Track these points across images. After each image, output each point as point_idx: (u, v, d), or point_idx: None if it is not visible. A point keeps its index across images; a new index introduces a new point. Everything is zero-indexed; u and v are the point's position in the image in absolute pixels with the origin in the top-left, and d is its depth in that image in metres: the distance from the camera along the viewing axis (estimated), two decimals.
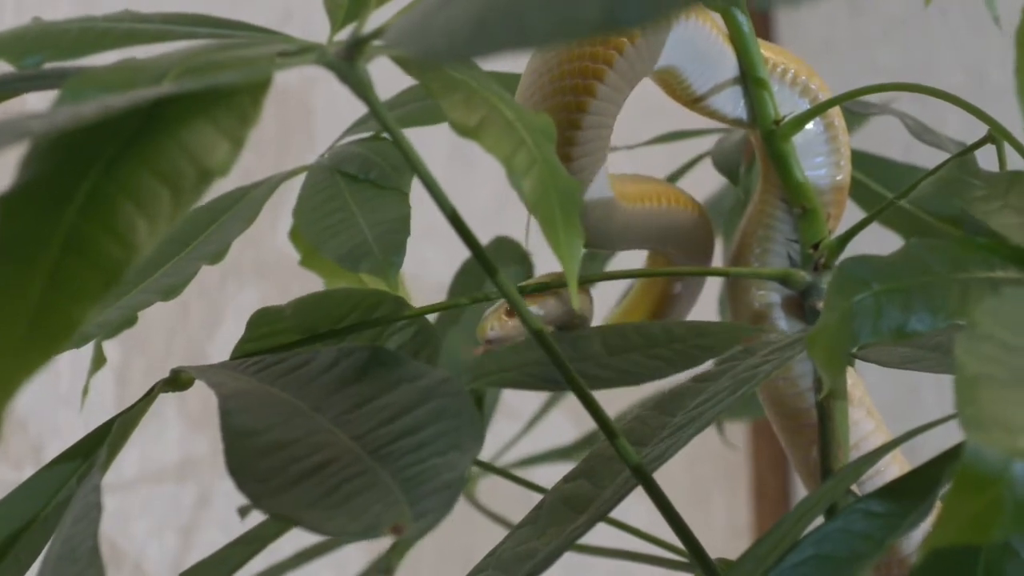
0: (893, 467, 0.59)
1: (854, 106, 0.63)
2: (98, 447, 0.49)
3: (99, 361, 0.62)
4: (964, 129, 0.64)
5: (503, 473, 0.73)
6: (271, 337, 0.53)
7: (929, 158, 0.68)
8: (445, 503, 0.36)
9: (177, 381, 0.49)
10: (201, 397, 1.05)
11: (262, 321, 0.53)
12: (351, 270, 0.55)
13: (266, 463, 0.38)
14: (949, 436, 0.46)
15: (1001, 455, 0.29)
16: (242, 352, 0.53)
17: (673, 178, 0.82)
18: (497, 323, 0.56)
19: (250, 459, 0.38)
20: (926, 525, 0.46)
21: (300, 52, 0.40)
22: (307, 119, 1.13)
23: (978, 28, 1.32)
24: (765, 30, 1.47)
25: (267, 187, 0.62)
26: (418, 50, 0.32)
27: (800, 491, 1.41)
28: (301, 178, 0.64)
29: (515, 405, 1.07)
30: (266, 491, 0.37)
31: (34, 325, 0.34)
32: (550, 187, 0.41)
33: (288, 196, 0.67)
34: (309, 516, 0.36)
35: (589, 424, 0.88)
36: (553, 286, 0.56)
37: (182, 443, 1.06)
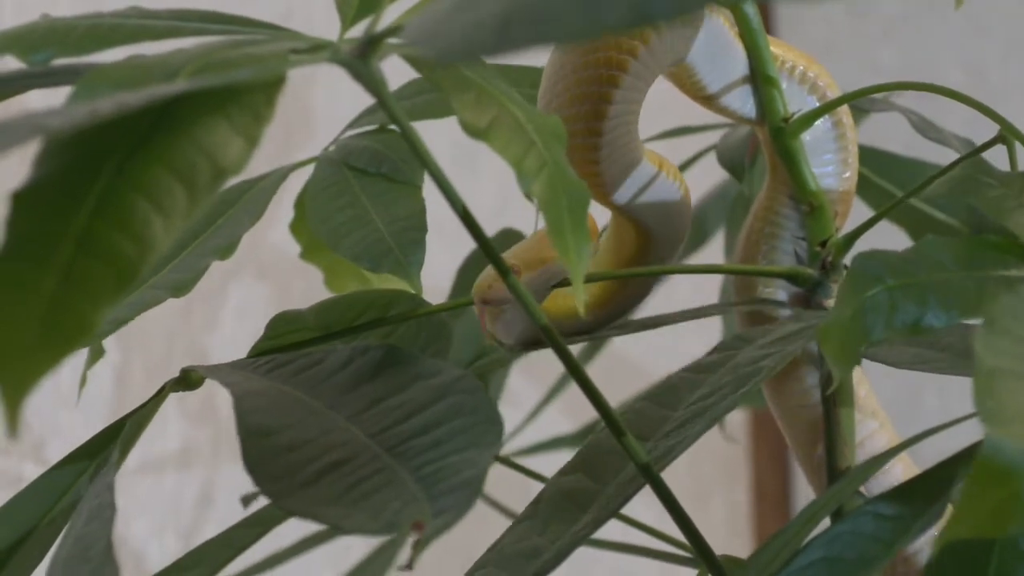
0: (898, 466, 0.59)
1: (858, 103, 0.63)
2: (103, 448, 0.49)
3: (97, 353, 0.61)
4: (966, 129, 0.64)
5: (506, 462, 0.73)
6: (289, 335, 0.53)
7: (930, 155, 0.69)
8: (465, 500, 0.36)
9: (187, 380, 0.49)
10: (201, 395, 1.05)
11: (280, 323, 0.53)
12: (371, 270, 0.55)
13: (283, 461, 0.38)
14: (951, 437, 0.46)
15: (1020, 448, 0.29)
16: (259, 351, 0.53)
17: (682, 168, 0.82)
18: (497, 282, 0.53)
19: (267, 458, 0.38)
20: (934, 527, 0.46)
21: (313, 50, 0.40)
22: (305, 111, 1.13)
23: (978, 28, 1.32)
24: (765, 28, 1.47)
25: (274, 179, 0.62)
26: (439, 50, 0.32)
27: (800, 491, 1.41)
28: (299, 172, 0.64)
29: (518, 392, 1.07)
30: (285, 489, 0.37)
31: (47, 324, 0.34)
32: (559, 190, 0.41)
33: (286, 193, 0.67)
34: (329, 513, 0.36)
35: (588, 413, 0.88)
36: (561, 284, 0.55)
37: (182, 440, 1.06)
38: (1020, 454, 0.29)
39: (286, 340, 0.54)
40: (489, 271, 0.53)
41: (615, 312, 0.58)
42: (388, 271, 0.54)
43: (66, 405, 0.98)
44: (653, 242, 0.57)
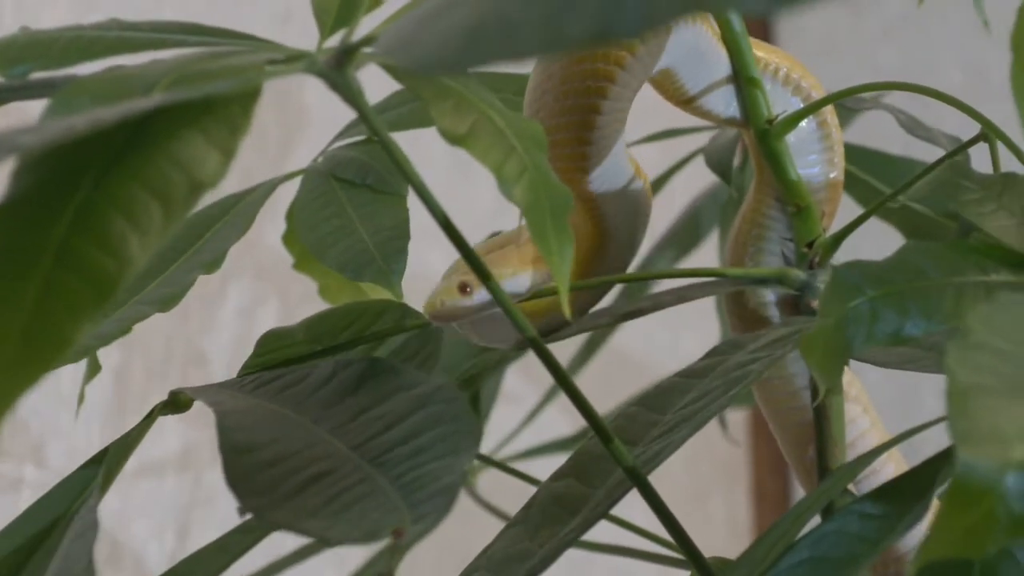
0: (890, 466, 0.59)
1: (847, 102, 0.63)
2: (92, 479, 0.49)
3: (94, 370, 0.62)
4: (963, 128, 0.64)
5: (502, 467, 0.73)
6: (280, 351, 0.54)
7: (929, 155, 0.68)
8: (443, 506, 0.36)
9: (176, 403, 0.49)
10: None
11: (271, 339, 0.53)
12: (353, 279, 0.55)
13: (265, 476, 0.38)
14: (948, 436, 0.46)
15: (993, 467, 0.29)
16: (251, 367, 0.53)
17: (665, 176, 0.82)
18: (448, 298, 0.52)
19: (249, 473, 0.38)
20: (922, 524, 0.46)
21: (289, 60, 0.40)
22: (301, 114, 1.13)
23: (978, 28, 1.31)
24: (764, 30, 1.47)
25: (261, 192, 0.62)
26: (411, 61, 0.32)
27: (800, 491, 1.41)
28: (294, 180, 0.64)
29: (517, 392, 1.07)
30: (267, 503, 0.37)
31: (27, 341, 0.34)
32: (541, 194, 0.41)
33: (285, 197, 0.67)
34: (310, 525, 0.36)
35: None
36: (546, 294, 0.55)
37: (182, 441, 1.06)
38: (993, 474, 0.29)
39: (277, 356, 0.54)
40: (438, 288, 0.53)
41: (581, 309, 0.58)
42: (370, 280, 0.55)
43: (65, 407, 0.98)
44: (614, 242, 0.57)
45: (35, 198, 0.35)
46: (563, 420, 1.10)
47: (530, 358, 0.80)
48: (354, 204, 0.58)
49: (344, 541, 0.37)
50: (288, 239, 0.69)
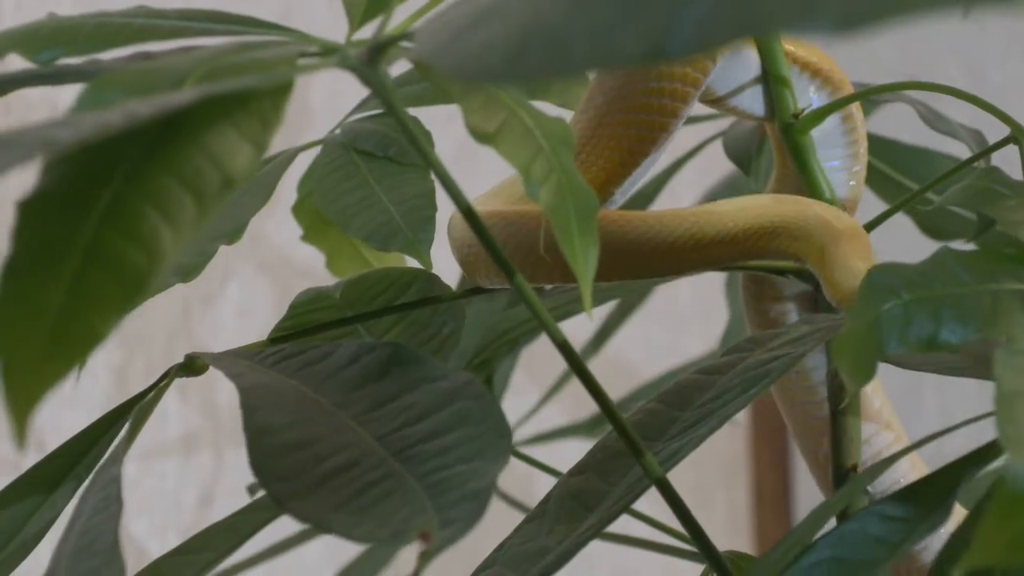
0: (903, 462, 0.59)
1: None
2: (97, 441, 0.49)
3: None
4: None
5: (516, 454, 0.73)
6: (313, 314, 0.53)
7: (942, 149, 0.68)
8: (473, 513, 0.35)
9: (192, 367, 0.48)
10: (202, 393, 1.04)
11: (305, 300, 0.53)
12: (381, 249, 0.55)
13: (290, 461, 0.37)
14: (950, 436, 0.46)
15: None
16: (283, 329, 0.53)
17: (680, 163, 0.82)
18: None
19: (273, 457, 0.37)
20: (941, 528, 0.46)
21: (321, 54, 0.39)
22: (304, 106, 1.12)
23: (978, 28, 1.31)
24: None
25: (280, 162, 0.61)
26: (451, 68, 0.31)
27: (801, 491, 1.41)
28: (294, 168, 0.63)
29: (515, 384, 1.07)
30: (291, 492, 0.36)
31: (55, 336, 0.33)
32: (567, 196, 0.41)
33: (286, 192, 0.66)
34: (336, 521, 0.35)
35: (587, 410, 0.88)
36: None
37: (183, 436, 1.05)
38: None
39: (310, 319, 0.54)
40: None
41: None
42: (398, 249, 0.54)
43: (67, 403, 0.98)
44: None
45: (66, 192, 0.34)
46: (559, 412, 1.09)
47: (529, 352, 0.80)
48: (376, 176, 0.57)
49: (370, 540, 0.36)
50: (298, 210, 0.67)
